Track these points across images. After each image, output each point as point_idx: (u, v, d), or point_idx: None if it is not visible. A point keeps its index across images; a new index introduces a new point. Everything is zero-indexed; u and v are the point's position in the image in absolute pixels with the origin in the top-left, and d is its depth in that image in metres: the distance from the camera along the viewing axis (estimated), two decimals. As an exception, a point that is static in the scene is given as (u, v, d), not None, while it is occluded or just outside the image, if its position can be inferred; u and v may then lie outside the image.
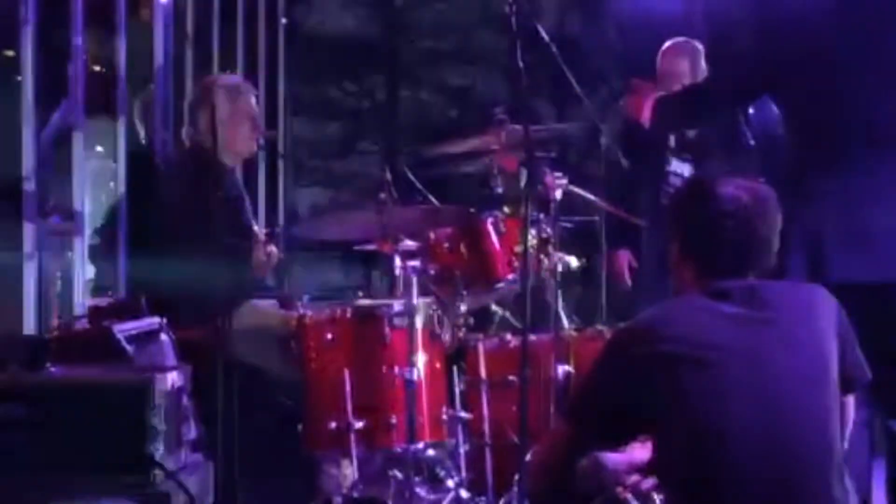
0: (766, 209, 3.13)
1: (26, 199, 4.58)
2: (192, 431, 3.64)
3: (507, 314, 5.44)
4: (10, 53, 4.77)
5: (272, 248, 5.24)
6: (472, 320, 5.07)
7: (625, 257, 6.54)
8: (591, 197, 5.55)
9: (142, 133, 5.92)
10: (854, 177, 4.18)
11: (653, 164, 6.41)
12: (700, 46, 6.55)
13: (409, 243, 4.89)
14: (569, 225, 5.37)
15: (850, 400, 3.21)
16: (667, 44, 6.61)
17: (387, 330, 4.66)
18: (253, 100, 5.36)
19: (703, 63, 6.49)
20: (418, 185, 5.56)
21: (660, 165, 6.43)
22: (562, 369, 4.84)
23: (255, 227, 5.34)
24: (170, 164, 5.85)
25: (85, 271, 4.99)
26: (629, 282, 6.55)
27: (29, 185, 4.58)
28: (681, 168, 6.47)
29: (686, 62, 6.53)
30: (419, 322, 4.67)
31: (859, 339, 3.18)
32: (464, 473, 4.87)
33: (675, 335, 2.99)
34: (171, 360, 4.02)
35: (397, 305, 4.70)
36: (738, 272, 3.10)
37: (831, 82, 4.20)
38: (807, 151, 4.27)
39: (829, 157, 4.21)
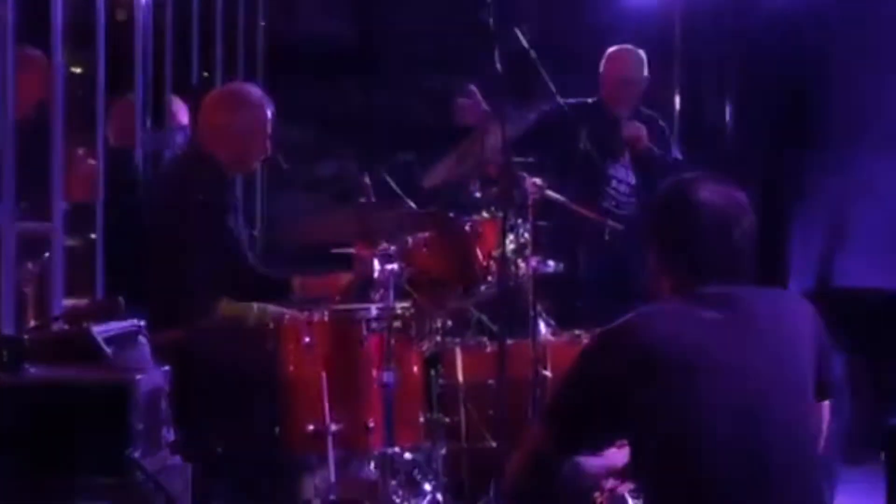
0: (742, 213, 3.15)
1: (3, 200, 4.56)
2: (170, 433, 3.63)
3: (485, 318, 5.45)
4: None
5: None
6: (449, 324, 5.09)
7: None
8: (567, 201, 5.58)
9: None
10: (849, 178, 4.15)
11: (593, 167, 6.44)
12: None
13: (388, 247, 4.90)
14: (543, 224, 5.39)
15: (826, 406, 3.23)
16: (620, 49, 6.64)
17: (364, 333, 4.68)
18: (269, 114, 5.31)
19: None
20: (397, 189, 5.57)
21: (599, 168, 6.47)
22: (539, 373, 4.86)
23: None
24: (167, 165, 5.85)
25: (63, 272, 4.97)
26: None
27: (7, 185, 4.56)
28: (620, 173, 6.52)
29: (644, 69, 6.59)
30: (396, 326, 4.68)
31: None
32: (441, 477, 4.88)
33: (654, 340, 3.00)
34: (149, 361, 4.01)
35: (375, 309, 4.71)
36: (715, 277, 3.11)
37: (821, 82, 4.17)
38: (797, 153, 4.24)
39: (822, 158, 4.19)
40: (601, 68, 6.61)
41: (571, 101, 6.54)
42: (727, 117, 8.49)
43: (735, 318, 3.06)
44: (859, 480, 4.44)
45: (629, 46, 6.67)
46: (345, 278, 5.15)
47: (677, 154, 6.58)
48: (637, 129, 6.46)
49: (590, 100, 6.62)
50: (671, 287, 3.16)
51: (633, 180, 6.51)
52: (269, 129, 5.25)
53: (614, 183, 6.52)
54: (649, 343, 3.00)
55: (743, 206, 3.15)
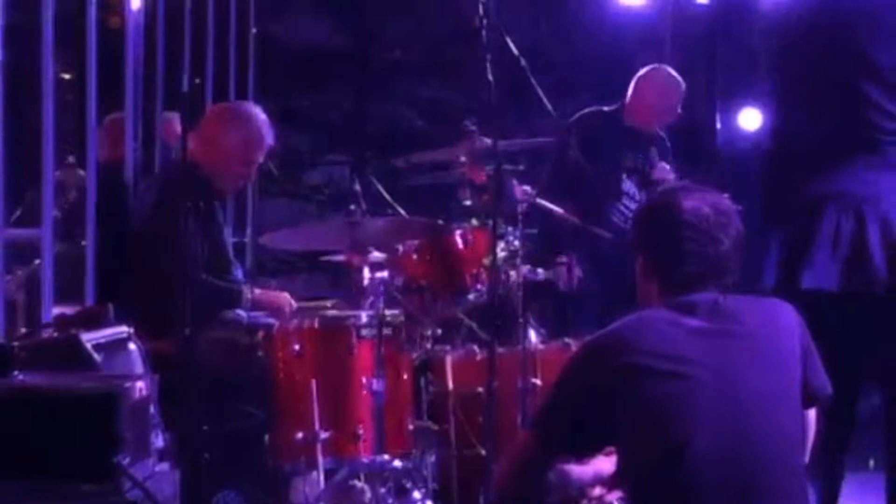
0: (729, 221, 3.15)
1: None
2: (159, 440, 3.63)
3: (475, 326, 5.46)
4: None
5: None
6: (439, 332, 5.09)
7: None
8: (558, 209, 5.59)
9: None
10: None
11: (607, 180, 6.44)
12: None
13: (378, 254, 4.91)
14: (533, 232, 5.40)
15: (812, 414, 3.24)
16: (663, 74, 6.58)
17: (354, 341, 4.67)
18: (266, 140, 5.21)
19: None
20: (387, 197, 5.58)
21: (614, 183, 6.47)
22: (528, 381, 4.86)
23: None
24: (155, 174, 5.85)
25: (53, 279, 4.97)
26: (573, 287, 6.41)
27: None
28: (632, 189, 6.51)
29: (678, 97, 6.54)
30: (386, 333, 4.68)
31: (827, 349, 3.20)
32: (430, 485, 4.88)
33: (642, 348, 3.01)
34: (138, 368, 4.01)
35: (365, 317, 4.71)
36: (702, 285, 3.12)
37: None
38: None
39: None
40: (634, 84, 6.47)
41: (583, 112, 6.54)
42: (717, 124, 8.52)
43: (722, 325, 3.07)
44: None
45: (671, 71, 6.54)
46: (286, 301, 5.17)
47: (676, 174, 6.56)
48: (667, 174, 6.41)
49: (606, 108, 6.59)
50: (658, 295, 3.17)
51: (640, 197, 6.49)
52: (256, 156, 5.21)
53: (625, 199, 6.49)
54: (636, 352, 3.00)
55: (729, 214, 3.16)
